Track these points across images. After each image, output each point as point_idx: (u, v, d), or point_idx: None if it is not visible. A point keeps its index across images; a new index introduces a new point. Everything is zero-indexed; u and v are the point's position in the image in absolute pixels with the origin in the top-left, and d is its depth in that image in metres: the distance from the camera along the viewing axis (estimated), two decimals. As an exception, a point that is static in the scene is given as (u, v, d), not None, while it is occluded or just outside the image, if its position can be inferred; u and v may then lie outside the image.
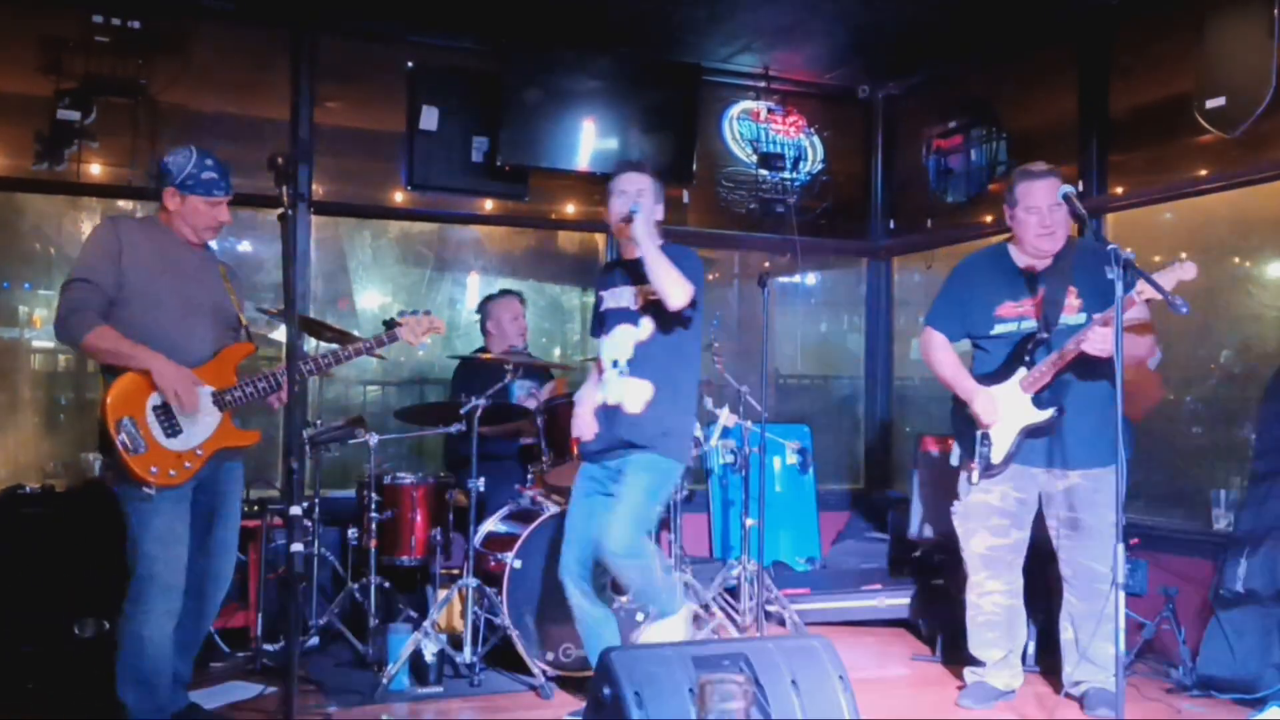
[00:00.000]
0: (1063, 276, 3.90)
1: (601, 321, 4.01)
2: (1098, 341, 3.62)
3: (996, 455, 3.94)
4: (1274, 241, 4.85)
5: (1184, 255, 4.04)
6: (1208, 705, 4.11)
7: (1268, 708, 3.81)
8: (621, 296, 3.91)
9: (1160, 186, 5.12)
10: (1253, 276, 5.02)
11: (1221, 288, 5.00)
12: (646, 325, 3.83)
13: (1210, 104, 4.66)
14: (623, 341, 3.87)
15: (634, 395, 3.79)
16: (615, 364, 3.86)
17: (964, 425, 4.07)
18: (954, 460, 4.18)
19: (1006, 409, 3.92)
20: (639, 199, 3.76)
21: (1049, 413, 3.85)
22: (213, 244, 3.71)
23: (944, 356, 4.13)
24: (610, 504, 3.78)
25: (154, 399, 3.37)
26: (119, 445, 3.30)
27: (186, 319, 3.49)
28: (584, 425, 3.96)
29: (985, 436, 3.97)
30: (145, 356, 3.35)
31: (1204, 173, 4.93)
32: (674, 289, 3.66)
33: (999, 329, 4.00)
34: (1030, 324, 3.93)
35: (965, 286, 4.15)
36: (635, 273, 3.83)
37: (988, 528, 4.03)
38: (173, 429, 3.38)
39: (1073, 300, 3.88)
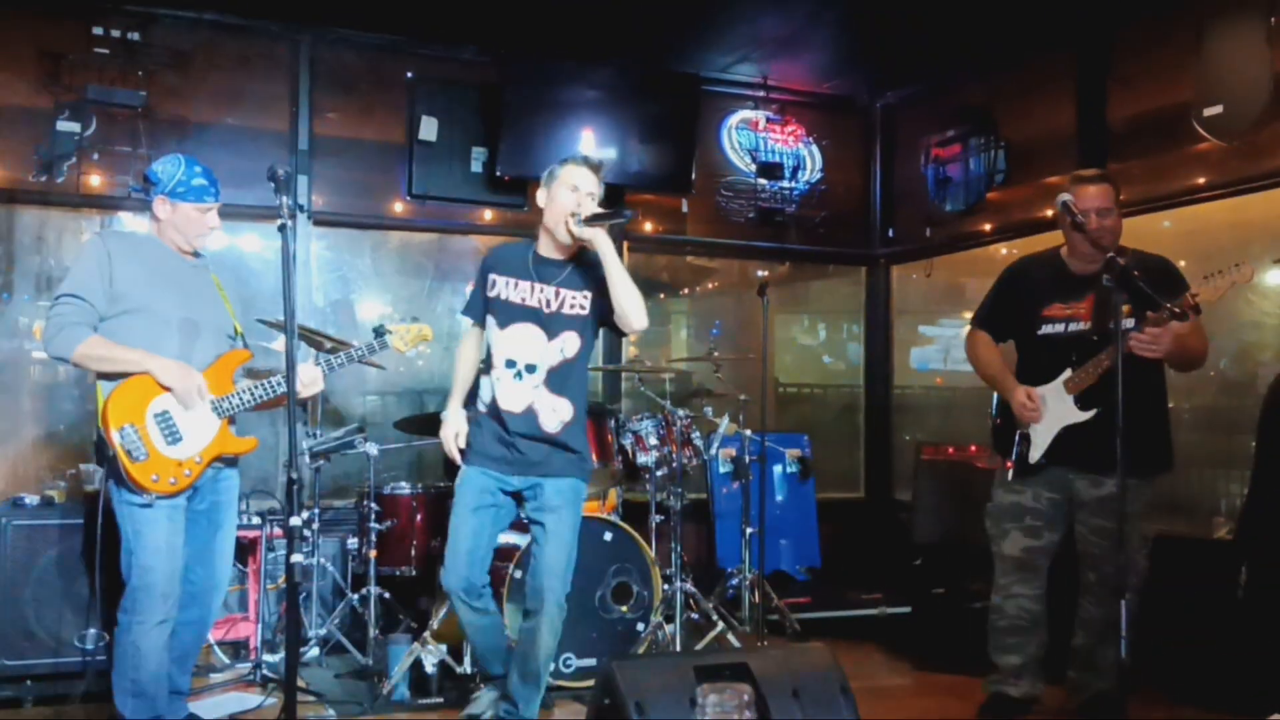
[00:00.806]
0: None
1: (493, 310, 3.67)
2: (1145, 342, 3.59)
3: (1034, 454, 3.93)
4: (1272, 249, 4.85)
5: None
6: (1211, 713, 4.10)
7: (1270, 715, 3.80)
8: (529, 293, 3.61)
9: (1159, 194, 5.13)
10: (1252, 284, 5.01)
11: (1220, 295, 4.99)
12: (573, 341, 3.59)
13: (1208, 112, 4.67)
14: (526, 344, 3.59)
15: (550, 411, 3.58)
16: (512, 364, 3.59)
17: (1005, 424, 4.07)
18: (990, 461, 4.18)
19: (1048, 408, 3.92)
20: (591, 202, 3.54)
21: (1091, 414, 3.83)
22: (204, 253, 3.70)
23: (988, 355, 4.14)
24: (547, 546, 3.58)
25: (154, 406, 3.37)
26: (120, 453, 3.30)
27: (183, 329, 3.49)
28: (453, 440, 3.72)
29: (1024, 436, 3.97)
30: (140, 358, 3.36)
31: (1202, 181, 4.94)
32: (640, 311, 3.47)
33: (1046, 329, 3.97)
34: (1080, 325, 3.91)
35: (1013, 288, 4.15)
36: (551, 273, 3.61)
37: (1021, 528, 4.01)
38: (173, 436, 3.38)
39: (1124, 308, 3.85)
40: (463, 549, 3.61)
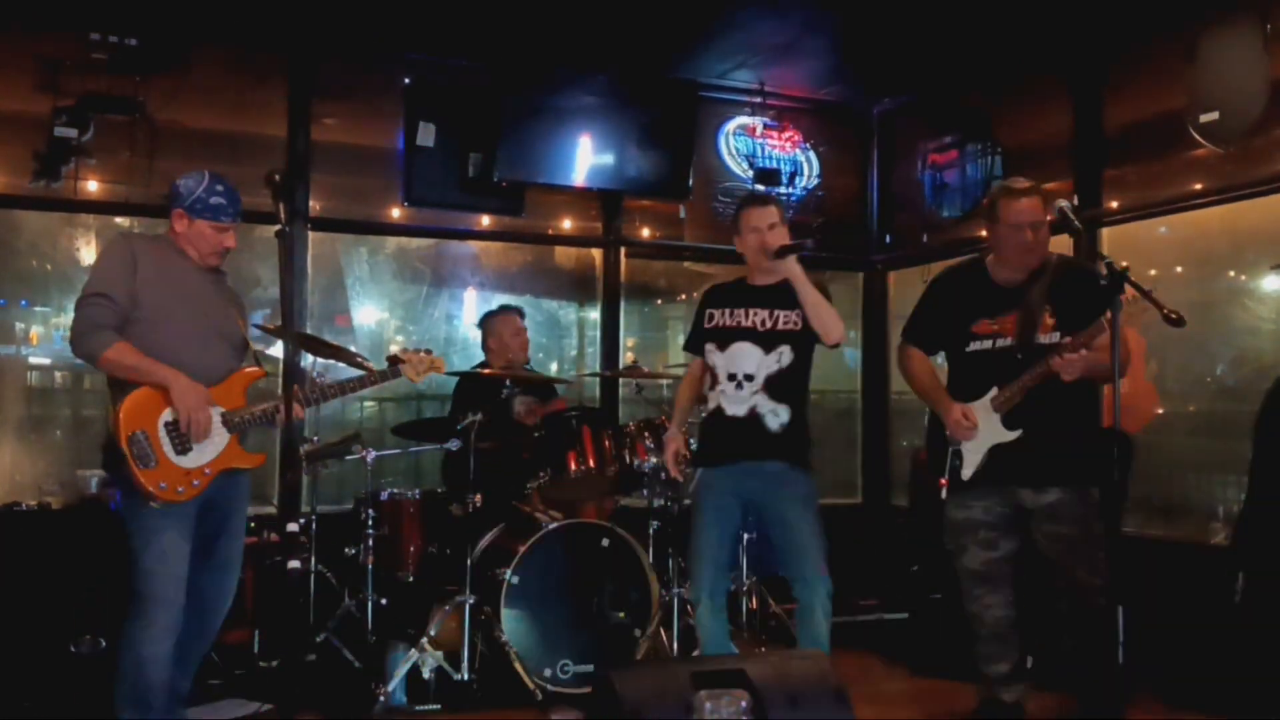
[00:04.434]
0: (1040, 295, 3.87)
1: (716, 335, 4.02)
2: (1068, 366, 3.61)
3: (966, 471, 3.93)
4: (1269, 255, 4.86)
5: (1155, 271, 4.04)
6: (1209, 718, 4.10)
7: (1266, 721, 3.81)
8: (744, 317, 3.97)
9: (1155, 201, 5.13)
10: (1248, 290, 5.02)
11: (1217, 301, 5.01)
12: (788, 353, 3.88)
13: (1204, 118, 4.68)
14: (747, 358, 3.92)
15: (772, 414, 3.87)
16: (733, 377, 3.91)
17: (937, 440, 4.07)
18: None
19: (979, 426, 3.92)
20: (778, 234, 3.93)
21: (1017, 433, 3.84)
22: (221, 267, 3.70)
23: (920, 370, 4.12)
24: (795, 529, 3.83)
25: (166, 415, 3.37)
26: (130, 459, 3.29)
27: (198, 338, 3.49)
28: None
29: (957, 453, 3.96)
30: (165, 373, 3.35)
31: (1198, 187, 4.95)
32: (835, 323, 3.81)
33: (974, 346, 3.95)
34: (1005, 341, 3.90)
35: (942, 301, 4.13)
36: (764, 297, 3.95)
37: (976, 542, 4.00)
38: (183, 446, 3.38)
39: (1048, 319, 3.85)
40: None
